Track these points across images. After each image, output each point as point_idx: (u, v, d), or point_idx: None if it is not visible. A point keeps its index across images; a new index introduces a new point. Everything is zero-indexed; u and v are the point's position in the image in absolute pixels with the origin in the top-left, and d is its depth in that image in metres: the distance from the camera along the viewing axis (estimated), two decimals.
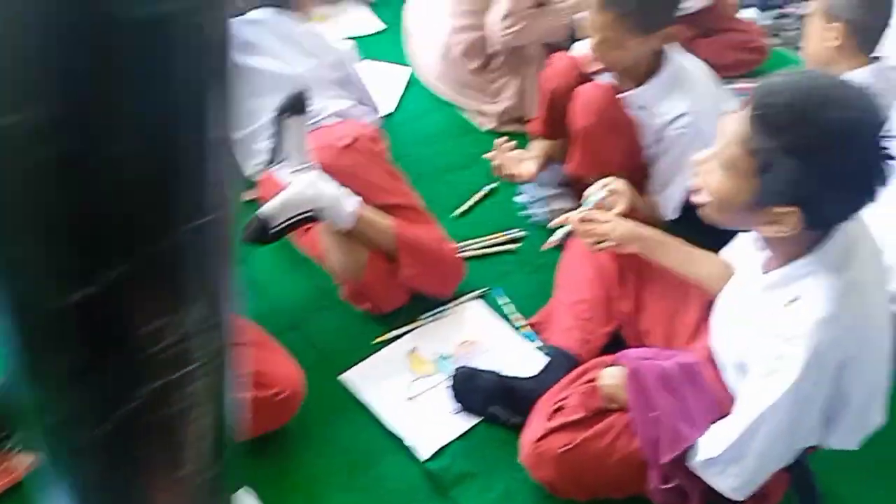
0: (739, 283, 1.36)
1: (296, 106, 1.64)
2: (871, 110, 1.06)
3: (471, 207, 2.15)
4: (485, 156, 2.10)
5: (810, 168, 1.04)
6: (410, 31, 2.58)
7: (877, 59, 1.95)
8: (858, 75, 1.91)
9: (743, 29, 2.87)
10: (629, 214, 1.61)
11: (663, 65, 1.83)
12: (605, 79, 1.90)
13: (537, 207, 2.13)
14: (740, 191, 1.12)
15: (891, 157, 1.06)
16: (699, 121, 1.76)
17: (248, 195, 2.02)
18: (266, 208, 1.63)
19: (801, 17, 3.05)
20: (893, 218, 1.71)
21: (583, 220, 1.58)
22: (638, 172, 1.89)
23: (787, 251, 1.19)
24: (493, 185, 2.19)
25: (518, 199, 2.16)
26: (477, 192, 2.17)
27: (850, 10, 1.86)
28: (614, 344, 1.68)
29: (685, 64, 1.89)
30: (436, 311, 1.85)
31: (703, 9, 2.77)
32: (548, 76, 2.00)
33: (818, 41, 1.95)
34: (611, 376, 1.42)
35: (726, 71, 2.77)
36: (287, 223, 1.62)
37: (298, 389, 1.45)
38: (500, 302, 1.89)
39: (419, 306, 1.84)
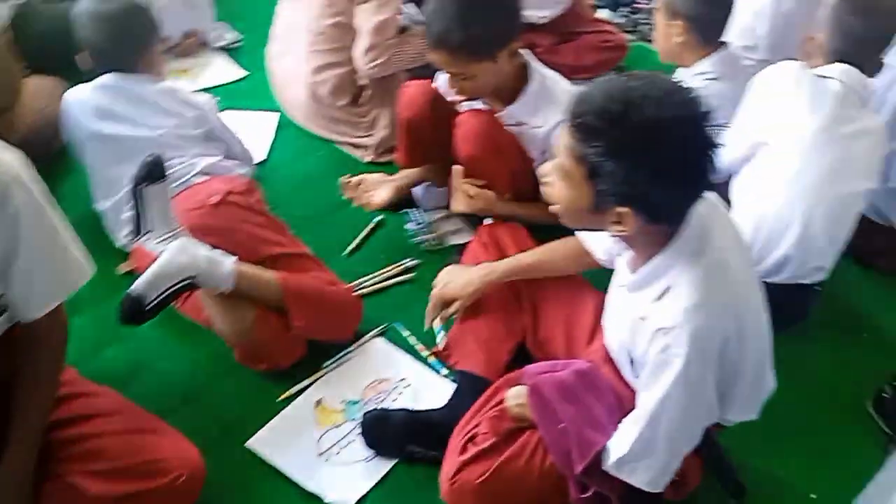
0: (618, 282, 1.39)
1: (152, 173, 1.57)
2: (686, 105, 1.10)
3: (361, 243, 2.11)
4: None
5: (632, 168, 1.08)
6: (275, 75, 2.53)
7: (723, 44, 2.04)
8: (704, 65, 2.00)
9: (600, 29, 2.97)
10: None
11: (529, 79, 1.85)
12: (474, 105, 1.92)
13: (427, 233, 2.12)
14: (578, 197, 1.17)
15: (712, 146, 1.10)
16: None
17: (123, 267, 1.93)
18: (138, 284, 1.54)
19: (651, 11, 3.18)
20: (764, 201, 1.81)
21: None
22: (531, 186, 1.90)
23: (646, 248, 1.23)
24: (380, 218, 2.17)
25: (407, 226, 2.15)
26: (365, 226, 2.14)
27: (689, 7, 1.94)
28: (522, 357, 1.68)
29: (546, 73, 1.93)
30: (338, 356, 1.79)
31: (558, 15, 2.86)
32: (402, 105, 2.00)
33: (665, 37, 2.03)
34: (515, 397, 1.42)
35: (590, 72, 2.85)
36: (163, 296, 1.54)
37: (197, 470, 1.37)
38: (403, 335, 1.86)
39: (320, 354, 1.78)
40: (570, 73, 2.79)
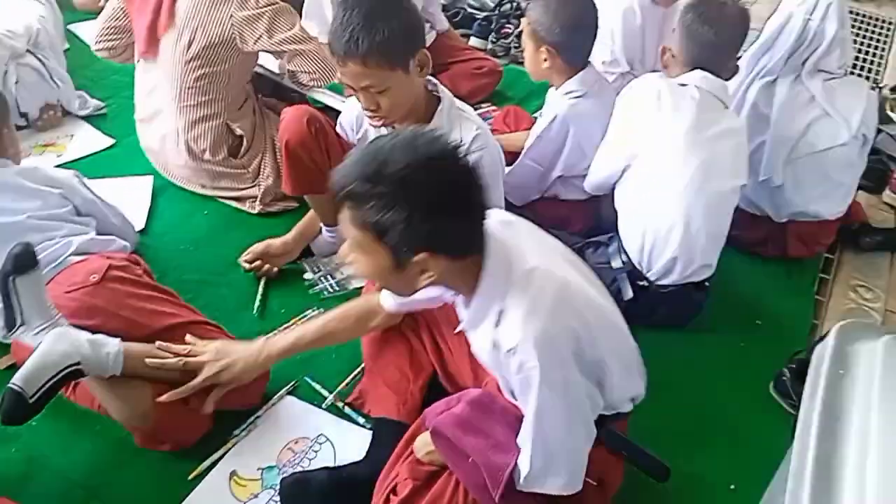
0: (462, 326, 1.40)
1: (21, 263, 1.46)
2: (433, 143, 1.16)
3: (262, 299, 2.05)
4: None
5: (408, 214, 1.13)
6: (146, 138, 2.43)
7: (588, 64, 2.12)
8: (571, 85, 2.07)
9: (472, 57, 3.03)
10: None
11: (440, 98, 1.81)
12: None
13: (326, 281, 2.09)
14: (379, 261, 1.20)
15: (469, 174, 1.18)
16: (486, 137, 1.78)
17: (3, 362, 1.79)
18: (18, 377, 1.43)
19: (518, 35, 3.29)
20: (645, 209, 1.89)
21: None
22: None
23: (466, 285, 1.28)
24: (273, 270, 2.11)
25: (305, 276, 2.10)
26: (260, 281, 2.08)
27: (554, 35, 2.01)
28: (439, 391, 1.66)
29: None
30: (248, 422, 1.72)
31: (428, 46, 2.90)
32: (282, 130, 1.95)
33: (534, 62, 2.09)
34: (423, 446, 1.43)
35: (467, 99, 2.90)
36: (46, 387, 1.42)
37: None
38: (314, 388, 1.81)
39: (229, 422, 1.70)
40: None
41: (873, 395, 0.75)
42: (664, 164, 1.84)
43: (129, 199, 2.27)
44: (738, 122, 1.97)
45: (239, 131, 2.32)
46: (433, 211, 1.14)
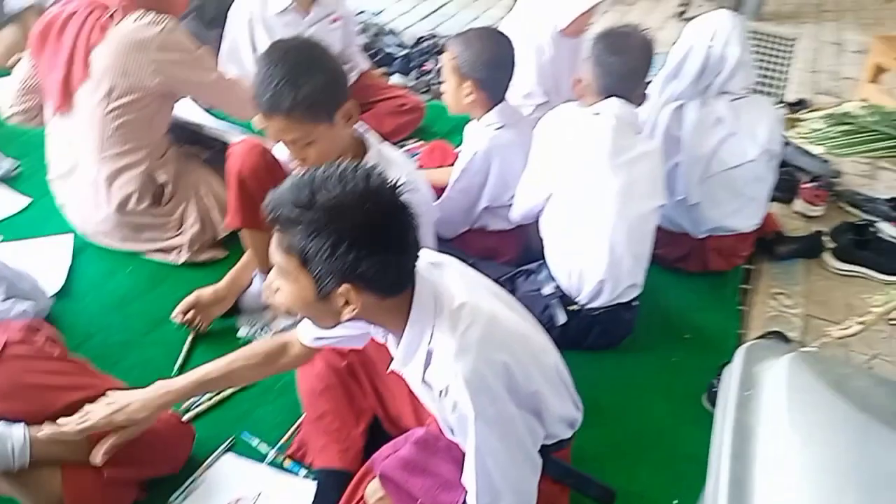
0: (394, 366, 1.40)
1: None
2: (369, 178, 1.17)
3: (188, 356, 1.99)
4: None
5: (334, 244, 1.14)
6: (62, 195, 2.35)
7: (504, 99, 2.17)
8: (491, 117, 2.12)
9: (394, 94, 3.06)
10: None
11: (367, 147, 1.82)
12: None
13: (261, 334, 2.06)
14: (301, 289, 1.20)
15: (402, 212, 1.19)
16: (416, 180, 1.78)
17: None
18: None
19: (439, 72, 3.34)
20: (570, 237, 1.93)
21: None
22: None
23: (394, 324, 1.28)
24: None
25: (239, 333, 2.06)
26: (186, 339, 2.03)
27: (477, 71, 2.06)
28: (380, 435, 1.65)
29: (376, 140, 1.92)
30: (185, 485, 1.66)
31: (350, 86, 2.92)
32: (232, 161, 1.92)
33: (456, 97, 2.13)
34: (373, 491, 1.42)
35: (393, 137, 2.94)
36: None
37: None
38: (252, 444, 1.77)
39: (165, 488, 1.64)
40: None
41: (780, 413, 0.78)
42: (585, 192, 1.90)
43: (48, 259, 2.20)
44: (652, 146, 2.04)
45: (162, 178, 2.26)
46: (360, 244, 1.14)
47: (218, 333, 2.07)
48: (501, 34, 2.14)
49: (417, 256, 1.24)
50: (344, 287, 1.17)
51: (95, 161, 2.20)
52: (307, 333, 1.52)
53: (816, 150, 1.12)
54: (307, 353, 1.59)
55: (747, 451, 0.77)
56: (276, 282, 1.25)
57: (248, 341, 2.02)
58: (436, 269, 1.33)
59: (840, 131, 1.06)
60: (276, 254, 1.21)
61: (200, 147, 2.51)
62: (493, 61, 2.07)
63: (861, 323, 1.01)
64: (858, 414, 0.76)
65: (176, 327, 2.04)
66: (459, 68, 2.08)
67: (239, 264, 2.12)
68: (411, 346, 1.28)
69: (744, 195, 2.27)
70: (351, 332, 1.40)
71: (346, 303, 1.19)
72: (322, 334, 1.47)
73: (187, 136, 2.51)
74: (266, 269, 2.04)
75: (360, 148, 1.79)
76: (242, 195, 1.91)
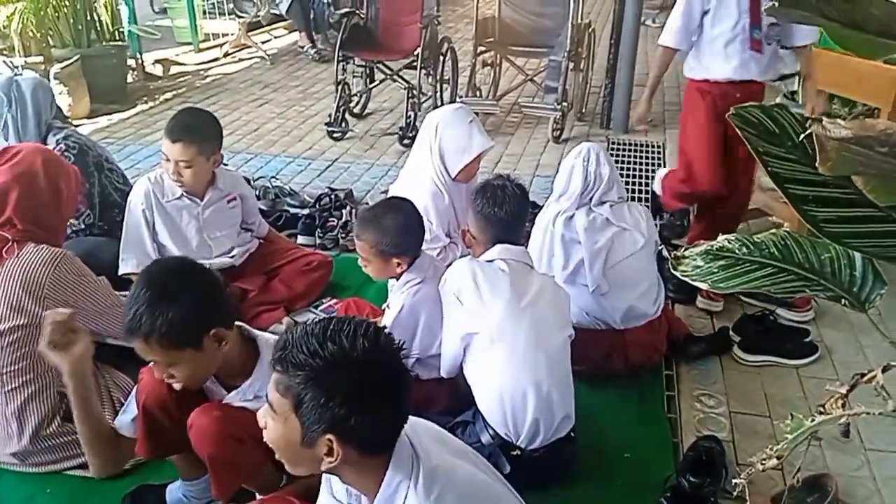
0: None
1: None
2: (378, 339, 1.23)
3: None
4: None
5: (330, 394, 1.18)
6: None
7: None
8: (409, 276, 2.22)
9: (299, 255, 3.09)
10: None
11: (260, 351, 1.79)
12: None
13: None
14: (288, 431, 1.23)
15: (404, 378, 1.25)
16: None
17: None
18: None
19: (343, 226, 3.43)
20: (495, 382, 1.98)
21: None
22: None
23: (367, 483, 1.29)
24: None
25: None
26: None
27: (399, 245, 2.18)
28: None
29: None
30: None
31: (251, 256, 2.94)
32: (139, 391, 1.85)
33: (386, 271, 2.23)
34: None
35: (306, 297, 2.97)
36: None
37: None
38: None
39: None
40: (288, 303, 2.91)
41: None
42: (498, 339, 1.98)
43: None
44: (545, 279, 2.19)
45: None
46: (355, 401, 1.18)
47: None
48: (400, 199, 2.29)
49: (406, 420, 1.26)
50: (328, 437, 1.20)
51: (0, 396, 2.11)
52: None
53: (702, 286, 1.24)
54: None
55: None
56: (263, 420, 1.27)
57: None
58: (414, 430, 1.33)
59: (719, 266, 1.16)
60: (271, 391, 1.24)
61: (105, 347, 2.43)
62: (409, 229, 2.21)
63: (779, 457, 1.08)
64: None
65: None
66: (383, 251, 2.17)
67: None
68: None
69: (643, 280, 2.48)
70: None
71: (329, 453, 1.21)
72: None
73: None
74: (190, 476, 1.97)
75: (251, 349, 1.79)
76: (148, 426, 1.84)
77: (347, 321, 1.23)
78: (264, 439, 1.30)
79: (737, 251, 1.31)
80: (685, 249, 1.34)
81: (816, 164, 0.89)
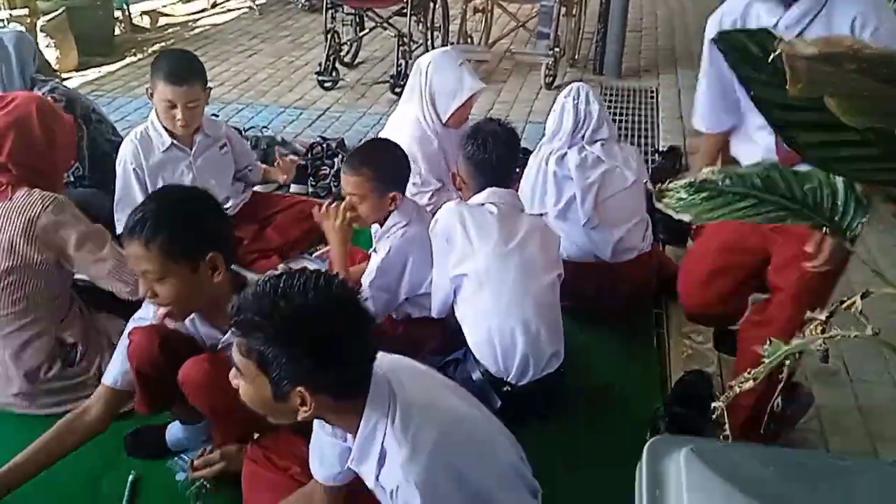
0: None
1: None
2: (332, 290, 1.24)
3: None
4: None
5: (291, 351, 1.20)
6: None
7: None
8: (392, 219, 2.23)
9: (293, 202, 3.10)
10: None
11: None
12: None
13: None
14: (258, 389, 1.26)
15: (362, 323, 1.26)
16: None
17: None
18: None
19: (336, 175, 3.43)
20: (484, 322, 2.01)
21: None
22: None
23: (349, 423, 1.33)
24: (132, 478, 1.99)
25: (178, 477, 2.00)
26: (124, 493, 1.95)
27: (395, 182, 2.19)
28: None
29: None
30: None
31: (247, 204, 2.95)
32: (131, 353, 1.85)
33: (379, 211, 2.23)
34: None
35: (300, 245, 2.99)
36: None
37: None
38: None
39: None
40: (282, 251, 2.93)
41: None
42: (487, 279, 2.01)
43: None
44: (536, 219, 2.22)
45: (70, 339, 2.21)
46: (317, 353, 1.20)
47: (157, 482, 2.00)
48: (385, 140, 2.30)
49: (373, 361, 1.29)
50: (298, 389, 1.22)
51: None
52: (318, 472, 1.53)
53: (685, 217, 1.22)
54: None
55: None
56: (235, 380, 1.30)
57: (187, 486, 1.96)
58: (392, 369, 1.36)
59: (702, 198, 1.17)
60: (235, 354, 1.26)
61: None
62: (402, 164, 2.23)
63: (755, 379, 1.11)
64: (750, 501, 0.84)
65: (110, 481, 1.98)
66: (379, 186, 2.17)
67: (23, 457, 1.81)
68: (365, 444, 1.31)
69: (633, 216, 2.53)
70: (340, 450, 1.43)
71: (302, 403, 1.24)
72: (329, 475, 1.50)
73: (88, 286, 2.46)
74: (195, 419, 2.01)
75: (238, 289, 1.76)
76: (144, 385, 1.85)
77: (297, 275, 1.24)
78: (243, 398, 1.32)
79: (720, 183, 1.29)
80: (669, 182, 1.35)
81: (787, 87, 0.89)
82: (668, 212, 1.26)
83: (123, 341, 1.83)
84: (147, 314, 1.85)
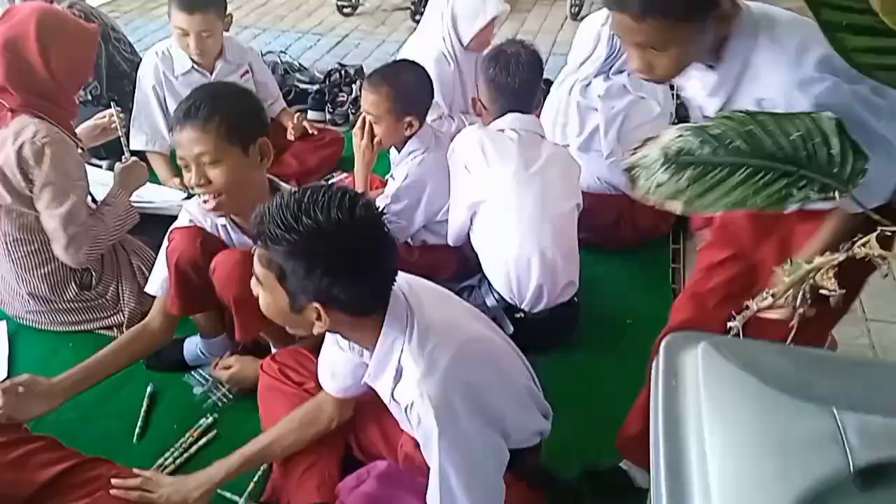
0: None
1: None
2: (354, 208, 1.22)
3: (146, 423, 1.97)
4: None
5: (310, 267, 1.20)
6: None
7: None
8: (413, 145, 2.22)
9: (312, 130, 3.08)
10: None
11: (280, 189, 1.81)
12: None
13: (215, 388, 2.05)
14: (276, 300, 1.28)
15: (383, 243, 1.25)
16: None
17: None
18: None
19: (353, 102, 3.38)
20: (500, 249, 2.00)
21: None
22: None
23: (365, 341, 1.34)
24: (150, 391, 2.03)
25: (195, 390, 2.05)
26: (141, 405, 2.00)
27: (415, 104, 2.18)
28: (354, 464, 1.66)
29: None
30: None
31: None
32: (171, 250, 1.87)
33: (396, 134, 2.20)
34: None
35: (317, 172, 2.97)
36: None
37: None
38: (225, 495, 1.75)
39: None
40: (299, 178, 2.92)
41: (699, 399, 0.85)
42: (505, 206, 1.99)
43: None
44: (558, 148, 2.17)
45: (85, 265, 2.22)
46: (335, 271, 1.20)
47: (173, 396, 2.05)
48: (411, 62, 2.25)
49: (393, 280, 1.29)
50: (316, 304, 1.23)
51: (6, 262, 2.17)
52: (328, 383, 1.57)
53: (675, 208, 1.01)
54: (344, 408, 1.61)
55: (678, 436, 0.83)
56: (256, 289, 1.31)
57: (202, 399, 2.01)
58: (412, 289, 1.37)
59: (687, 178, 0.92)
60: (256, 264, 1.27)
61: None
62: (423, 87, 2.19)
63: (773, 295, 1.09)
64: (766, 388, 0.82)
65: (126, 394, 2.02)
66: (394, 107, 2.14)
67: (94, 362, 1.86)
68: (382, 361, 1.32)
69: None
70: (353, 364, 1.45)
71: (318, 318, 1.25)
72: (342, 386, 1.53)
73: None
74: (209, 333, 2.04)
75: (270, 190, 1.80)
76: (181, 284, 1.86)
77: (323, 191, 1.23)
78: (261, 306, 1.33)
79: (698, 151, 1.06)
80: (636, 149, 1.13)
81: None
82: (651, 202, 1.05)
83: (164, 244, 1.87)
84: (184, 221, 1.88)
